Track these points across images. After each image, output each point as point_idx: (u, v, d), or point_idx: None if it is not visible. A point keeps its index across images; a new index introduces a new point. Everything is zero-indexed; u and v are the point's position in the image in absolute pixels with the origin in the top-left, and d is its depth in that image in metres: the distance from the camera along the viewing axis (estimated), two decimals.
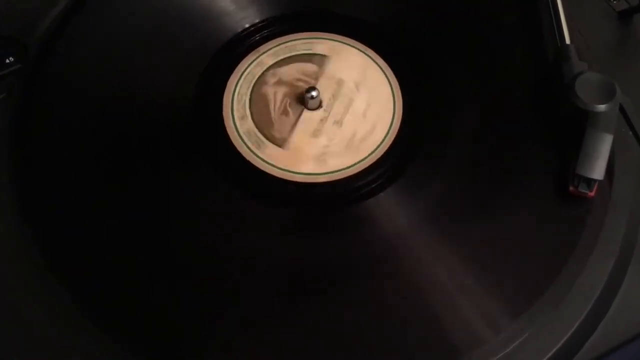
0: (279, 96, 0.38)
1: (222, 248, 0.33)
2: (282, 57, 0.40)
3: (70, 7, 0.40)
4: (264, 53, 0.40)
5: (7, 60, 0.38)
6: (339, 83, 0.39)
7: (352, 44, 0.40)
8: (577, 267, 0.32)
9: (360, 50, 0.40)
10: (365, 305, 0.31)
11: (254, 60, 0.39)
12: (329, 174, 0.35)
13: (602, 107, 0.33)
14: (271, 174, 0.35)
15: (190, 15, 0.40)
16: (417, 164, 0.35)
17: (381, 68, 0.39)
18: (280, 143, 0.36)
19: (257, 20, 0.41)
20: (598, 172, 0.32)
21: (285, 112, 0.37)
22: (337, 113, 0.37)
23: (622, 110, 0.35)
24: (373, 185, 0.35)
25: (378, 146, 0.36)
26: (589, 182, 0.33)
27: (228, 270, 0.32)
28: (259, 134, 0.37)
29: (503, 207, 0.34)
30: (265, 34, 0.40)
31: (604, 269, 0.32)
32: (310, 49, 0.40)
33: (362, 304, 0.31)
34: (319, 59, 0.39)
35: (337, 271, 0.32)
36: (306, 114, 0.37)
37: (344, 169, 0.35)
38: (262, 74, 0.39)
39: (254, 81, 0.39)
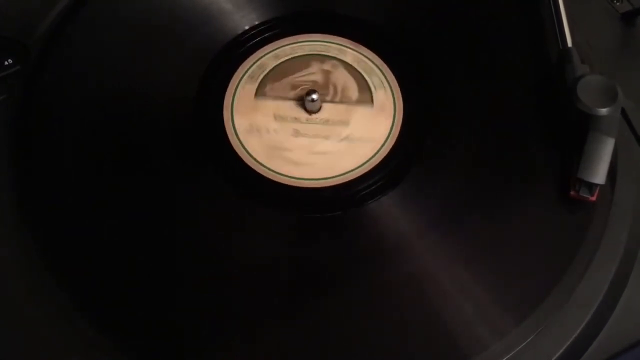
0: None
1: (221, 248, 0.33)
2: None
3: (70, 8, 0.40)
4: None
5: (7, 62, 0.39)
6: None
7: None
8: (579, 271, 0.32)
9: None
10: (367, 308, 0.31)
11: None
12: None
13: (604, 111, 0.33)
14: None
15: (191, 16, 0.41)
16: (418, 167, 0.35)
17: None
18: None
19: (257, 22, 0.41)
20: (600, 176, 0.32)
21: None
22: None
23: (624, 113, 0.35)
24: (374, 189, 0.35)
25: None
26: (591, 186, 0.33)
27: (228, 270, 0.32)
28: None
29: (505, 211, 0.34)
30: (266, 36, 0.41)
31: (606, 274, 0.32)
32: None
33: (364, 306, 0.31)
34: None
35: (338, 274, 0.32)
36: (306, 117, 0.38)
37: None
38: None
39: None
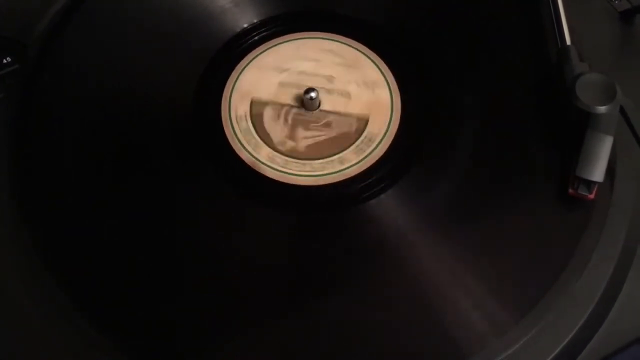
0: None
1: (221, 248, 0.33)
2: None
3: (69, 7, 0.41)
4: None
5: (5, 61, 0.39)
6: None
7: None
8: (578, 270, 0.32)
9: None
10: (368, 307, 0.31)
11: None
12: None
13: (602, 109, 0.33)
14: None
15: (190, 15, 0.41)
16: (417, 166, 0.36)
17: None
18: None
19: (255, 21, 0.41)
20: (598, 174, 0.33)
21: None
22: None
23: (622, 111, 0.35)
24: (373, 187, 0.35)
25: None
26: (589, 184, 0.33)
27: (228, 270, 0.33)
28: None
29: (504, 209, 0.34)
30: (264, 34, 0.41)
31: (605, 272, 0.32)
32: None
33: (363, 305, 0.31)
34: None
35: (337, 272, 0.32)
36: (299, 110, 0.38)
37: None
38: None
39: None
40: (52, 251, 0.32)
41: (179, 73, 0.39)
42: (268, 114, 0.38)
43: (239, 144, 0.37)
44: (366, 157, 0.36)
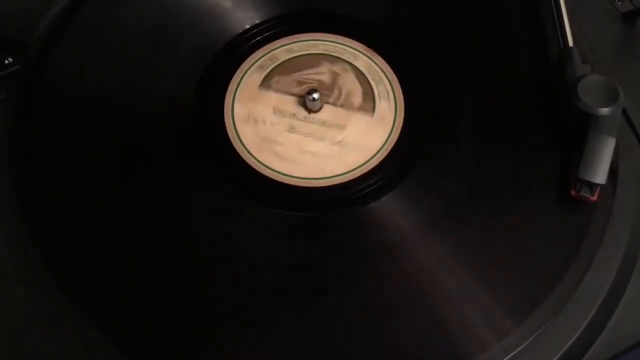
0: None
1: (221, 248, 0.33)
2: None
3: (70, 7, 0.41)
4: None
5: (6, 61, 0.39)
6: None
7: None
8: (580, 272, 0.32)
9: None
10: (367, 309, 0.31)
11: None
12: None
13: (604, 111, 0.33)
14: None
15: (191, 15, 0.41)
16: (419, 168, 0.36)
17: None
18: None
19: (258, 21, 0.41)
20: (600, 176, 0.33)
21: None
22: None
23: (625, 113, 0.35)
24: (375, 188, 0.35)
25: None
26: (591, 186, 0.33)
27: (228, 270, 0.33)
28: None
29: (505, 211, 0.34)
30: (267, 35, 0.41)
31: (607, 274, 0.32)
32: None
33: (364, 307, 0.31)
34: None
35: (337, 274, 0.32)
36: (304, 115, 0.38)
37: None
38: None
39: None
40: (52, 251, 0.32)
41: (180, 73, 0.39)
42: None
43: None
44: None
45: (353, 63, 0.40)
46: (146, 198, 0.35)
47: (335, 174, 0.36)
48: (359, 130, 0.38)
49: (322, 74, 0.40)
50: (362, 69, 0.40)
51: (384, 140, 0.37)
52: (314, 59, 0.40)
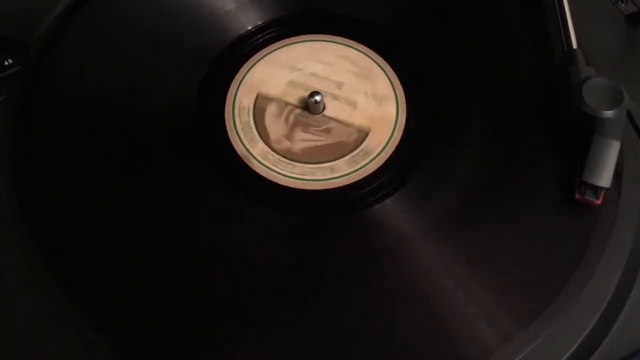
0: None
1: (221, 249, 0.33)
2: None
3: (71, 8, 0.41)
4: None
5: (7, 62, 0.39)
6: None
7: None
8: (585, 275, 0.32)
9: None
10: (369, 312, 0.31)
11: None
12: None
13: (609, 113, 0.33)
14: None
15: (193, 16, 0.41)
16: (421, 170, 0.36)
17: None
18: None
19: (260, 22, 0.41)
20: (605, 179, 0.33)
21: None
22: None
23: (629, 116, 0.35)
24: (377, 192, 0.35)
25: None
26: (596, 189, 0.33)
27: (228, 271, 0.33)
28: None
29: (509, 215, 0.34)
30: (269, 37, 0.41)
31: (612, 278, 0.32)
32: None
33: (366, 310, 0.31)
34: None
35: (339, 276, 0.32)
36: (302, 112, 0.38)
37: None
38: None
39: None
40: (52, 251, 0.32)
41: (181, 74, 0.39)
42: (271, 110, 0.38)
43: (236, 136, 0.37)
44: (358, 169, 0.36)
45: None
46: (146, 198, 0.35)
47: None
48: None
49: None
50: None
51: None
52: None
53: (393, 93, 0.39)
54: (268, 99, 0.38)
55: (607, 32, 0.41)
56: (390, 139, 0.37)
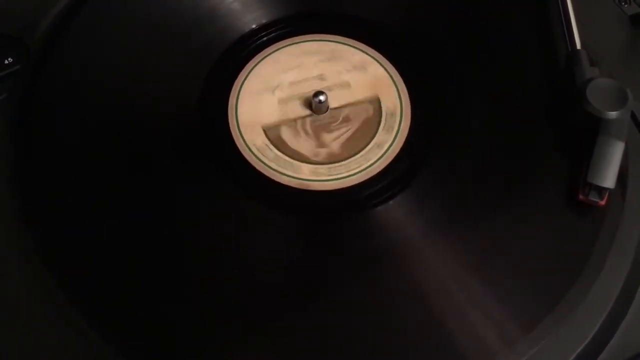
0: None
1: (222, 249, 0.33)
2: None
3: (71, 7, 0.41)
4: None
5: (7, 61, 0.39)
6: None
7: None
8: (590, 277, 0.32)
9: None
10: (372, 315, 0.31)
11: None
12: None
13: (613, 114, 0.33)
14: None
15: (195, 15, 0.41)
16: (425, 171, 0.36)
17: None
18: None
19: (265, 21, 0.41)
20: (609, 180, 0.33)
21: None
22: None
23: (634, 117, 0.35)
24: (381, 192, 0.35)
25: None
26: (600, 190, 0.33)
27: (229, 271, 0.33)
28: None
29: (513, 216, 0.34)
30: (272, 35, 0.41)
31: (617, 279, 0.32)
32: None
33: (368, 313, 0.31)
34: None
35: (342, 278, 0.32)
36: (312, 118, 0.38)
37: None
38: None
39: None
40: (52, 251, 0.32)
41: (183, 74, 0.39)
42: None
43: (276, 172, 0.36)
44: (398, 132, 0.37)
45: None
46: (147, 198, 0.35)
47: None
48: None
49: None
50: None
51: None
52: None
53: (368, 56, 0.40)
54: (275, 127, 0.38)
55: (610, 32, 0.41)
56: (394, 139, 0.37)
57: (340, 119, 0.38)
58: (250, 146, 0.37)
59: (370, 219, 0.34)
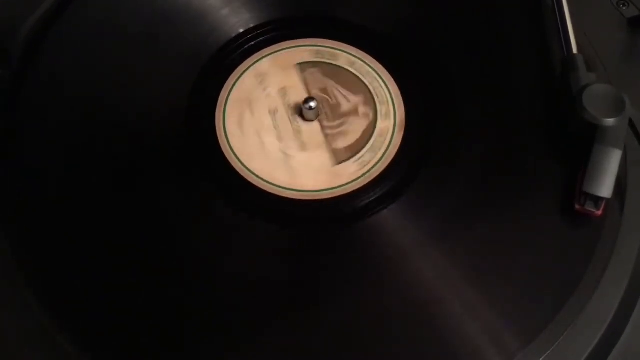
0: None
1: (208, 259, 0.33)
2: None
3: (53, 12, 0.40)
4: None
5: None
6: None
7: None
8: (588, 291, 0.32)
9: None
10: (367, 329, 0.31)
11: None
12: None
13: (610, 121, 0.33)
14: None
15: (182, 20, 0.40)
16: (420, 180, 0.35)
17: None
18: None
19: (252, 25, 0.41)
20: (606, 190, 0.32)
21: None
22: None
23: (632, 124, 0.35)
24: (374, 202, 0.35)
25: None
26: (597, 200, 0.33)
27: (222, 285, 0.32)
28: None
29: (510, 227, 0.34)
30: (261, 40, 0.40)
31: (616, 291, 0.32)
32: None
33: (363, 327, 0.31)
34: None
35: (336, 289, 0.32)
36: (301, 125, 0.38)
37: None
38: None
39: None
40: (34, 264, 0.32)
41: (170, 80, 0.38)
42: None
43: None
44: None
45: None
46: (134, 208, 0.34)
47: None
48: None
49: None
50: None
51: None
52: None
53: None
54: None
55: (609, 35, 0.41)
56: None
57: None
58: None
59: (361, 229, 0.34)
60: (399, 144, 0.37)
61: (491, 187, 0.35)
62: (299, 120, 0.38)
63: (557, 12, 0.39)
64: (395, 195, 0.35)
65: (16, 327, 0.31)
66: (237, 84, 0.39)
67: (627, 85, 0.36)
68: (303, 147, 0.37)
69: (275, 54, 0.40)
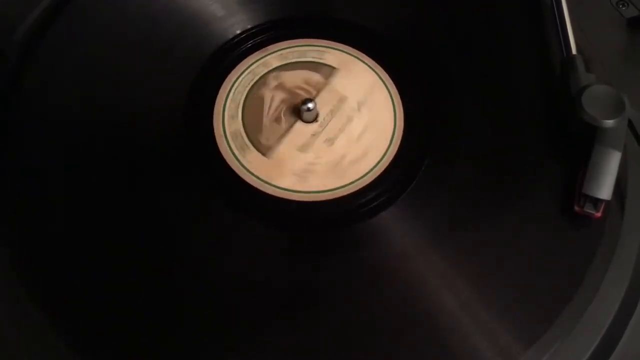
0: (276, 102, 0.38)
1: (207, 261, 0.33)
2: (276, 65, 0.40)
3: (52, 12, 0.40)
4: (257, 60, 0.40)
5: None
6: (341, 100, 0.39)
7: (361, 58, 0.40)
8: (588, 293, 0.32)
9: (369, 66, 0.40)
10: (367, 332, 0.31)
11: (247, 68, 0.39)
12: (308, 194, 0.35)
13: (609, 123, 0.33)
14: (248, 182, 0.35)
15: (179, 22, 0.40)
16: (419, 182, 0.35)
17: (381, 78, 0.39)
18: (264, 150, 0.37)
19: (249, 26, 0.41)
20: (605, 191, 0.32)
21: (277, 120, 0.38)
22: (331, 131, 0.37)
23: (631, 125, 0.35)
24: (374, 203, 0.35)
25: (368, 173, 0.36)
26: (596, 202, 0.33)
27: (220, 288, 0.32)
28: (244, 137, 0.37)
29: (510, 231, 0.34)
30: (259, 41, 0.40)
31: (617, 294, 0.32)
32: (317, 58, 0.40)
33: (363, 329, 0.31)
34: (326, 71, 0.39)
35: (336, 292, 0.32)
36: (299, 125, 0.37)
37: (325, 190, 0.35)
38: (264, 75, 0.39)
39: (253, 81, 0.39)
40: (31, 268, 0.32)
41: (168, 81, 0.38)
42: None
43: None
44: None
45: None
46: (133, 208, 0.34)
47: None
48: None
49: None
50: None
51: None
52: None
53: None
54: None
55: (608, 36, 0.41)
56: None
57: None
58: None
59: (361, 230, 0.34)
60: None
61: (491, 188, 0.35)
62: (298, 121, 0.38)
63: (556, 13, 0.39)
64: (395, 195, 0.35)
65: (16, 328, 0.31)
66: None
67: (627, 85, 0.36)
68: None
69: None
